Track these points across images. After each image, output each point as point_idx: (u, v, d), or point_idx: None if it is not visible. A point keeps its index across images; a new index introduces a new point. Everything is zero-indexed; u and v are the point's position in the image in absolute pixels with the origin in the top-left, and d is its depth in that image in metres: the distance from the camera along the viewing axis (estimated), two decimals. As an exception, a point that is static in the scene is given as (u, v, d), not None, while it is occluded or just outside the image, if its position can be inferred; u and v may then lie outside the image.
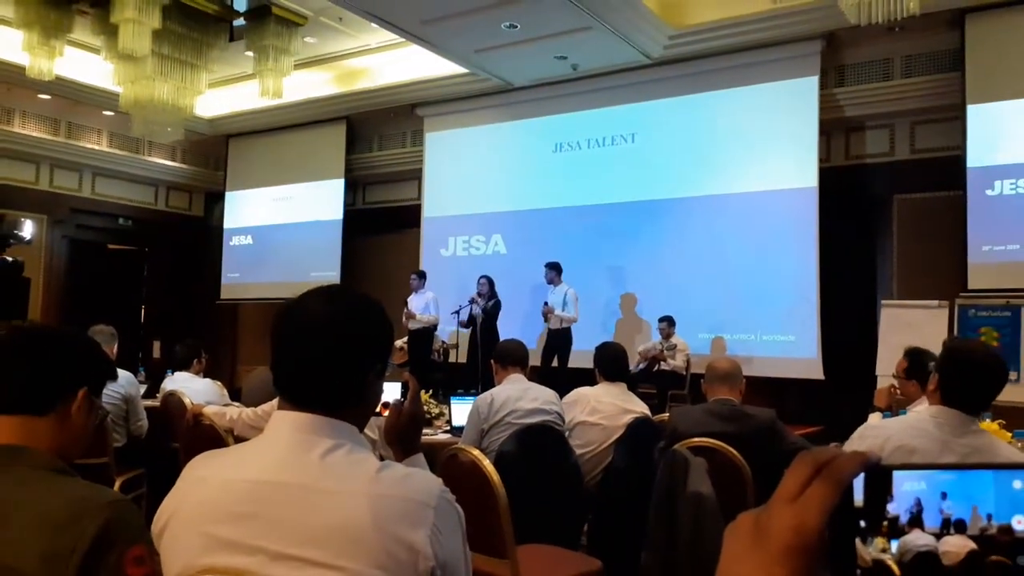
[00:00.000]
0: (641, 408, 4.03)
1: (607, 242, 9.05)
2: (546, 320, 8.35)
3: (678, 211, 8.69)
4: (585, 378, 4.62)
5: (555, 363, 8.27)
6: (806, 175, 7.91)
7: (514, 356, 3.96)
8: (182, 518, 1.22)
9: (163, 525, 1.24)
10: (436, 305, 8.99)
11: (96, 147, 11.20)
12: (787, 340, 7.93)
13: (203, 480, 1.24)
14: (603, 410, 3.94)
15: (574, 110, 9.37)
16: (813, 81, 7.94)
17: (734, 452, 3.13)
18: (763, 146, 8.20)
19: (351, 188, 11.35)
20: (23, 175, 10.64)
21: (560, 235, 9.29)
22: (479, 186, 10.07)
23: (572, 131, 9.42)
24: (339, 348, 1.25)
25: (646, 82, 8.83)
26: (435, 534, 1.14)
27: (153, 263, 12.49)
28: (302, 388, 1.24)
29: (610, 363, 4.13)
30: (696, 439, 3.22)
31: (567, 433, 3.83)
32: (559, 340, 8.32)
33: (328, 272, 10.62)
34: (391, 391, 4.47)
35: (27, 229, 9.60)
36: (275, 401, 3.66)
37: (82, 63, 9.50)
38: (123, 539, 1.24)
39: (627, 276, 8.96)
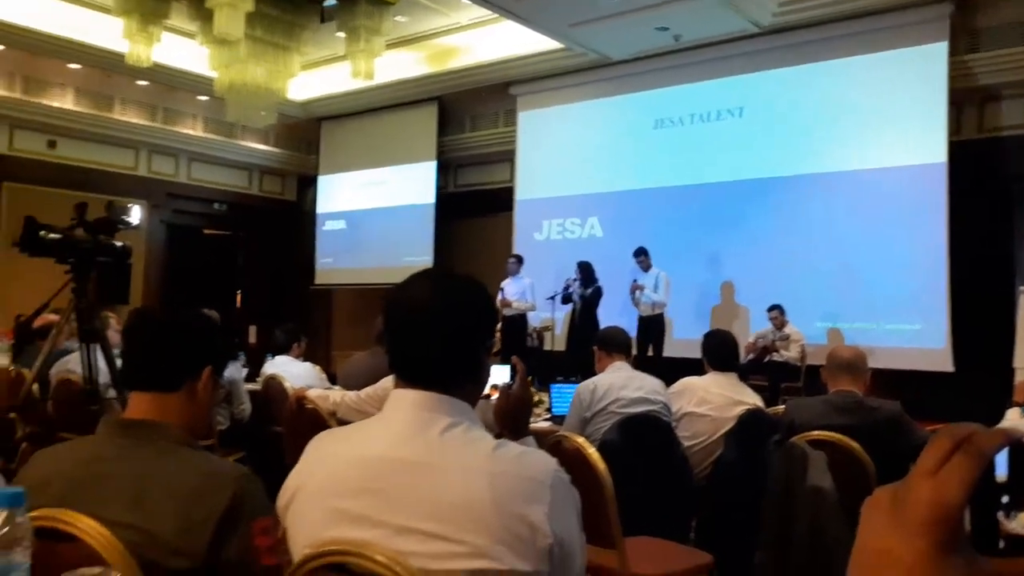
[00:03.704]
0: (753, 399, 3.85)
1: (710, 223, 8.69)
2: (633, 295, 8.03)
3: (790, 190, 8.24)
4: (683, 368, 4.43)
5: (650, 352, 7.94)
6: (934, 150, 7.39)
7: (618, 343, 3.84)
8: (308, 492, 1.28)
9: (289, 499, 1.30)
10: (532, 291, 8.75)
11: (192, 132, 11.40)
12: (912, 329, 7.43)
13: (328, 456, 1.30)
14: (712, 401, 3.79)
15: (676, 84, 9.01)
16: (942, 47, 7.41)
17: (856, 446, 2.97)
18: (885, 119, 7.71)
19: (443, 171, 11.22)
20: (123, 161, 10.90)
21: (659, 217, 8.97)
22: (574, 166, 9.80)
23: (674, 106, 9.05)
24: (452, 329, 1.29)
25: (755, 52, 8.40)
26: (552, 512, 1.15)
27: (247, 248, 12.64)
28: (419, 369, 1.28)
29: (719, 352, 3.96)
30: (815, 432, 3.06)
31: (674, 424, 3.70)
32: (652, 327, 8.04)
33: (421, 257, 10.52)
34: (500, 374, 4.16)
35: (135, 215, 9.82)
36: (379, 385, 3.55)
37: (177, 49, 9.61)
38: (252, 511, 1.34)
39: (729, 260, 8.58)
